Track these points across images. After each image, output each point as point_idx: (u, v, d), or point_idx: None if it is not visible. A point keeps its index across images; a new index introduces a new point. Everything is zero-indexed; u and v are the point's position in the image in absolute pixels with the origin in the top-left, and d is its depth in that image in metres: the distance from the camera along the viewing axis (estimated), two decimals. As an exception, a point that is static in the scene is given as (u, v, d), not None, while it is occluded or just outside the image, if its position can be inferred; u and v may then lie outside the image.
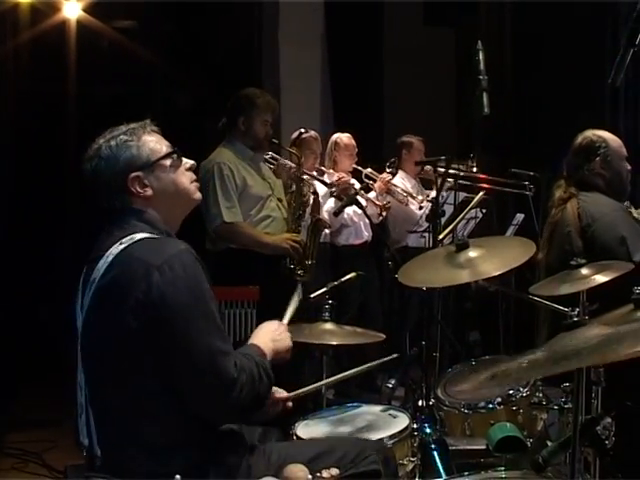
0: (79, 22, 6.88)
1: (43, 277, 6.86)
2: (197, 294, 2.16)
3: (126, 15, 7.48)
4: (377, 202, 5.92)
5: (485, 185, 5.27)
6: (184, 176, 2.39)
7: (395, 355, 3.19)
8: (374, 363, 3.07)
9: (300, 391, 2.72)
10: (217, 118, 4.74)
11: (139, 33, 7.52)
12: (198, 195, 2.44)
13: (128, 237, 2.22)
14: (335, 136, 6.07)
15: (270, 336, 2.42)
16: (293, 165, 4.83)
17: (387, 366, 3.29)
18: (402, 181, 6.39)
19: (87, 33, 6.95)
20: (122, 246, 2.20)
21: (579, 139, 3.83)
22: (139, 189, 2.29)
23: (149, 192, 2.30)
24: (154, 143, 2.35)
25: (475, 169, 5.48)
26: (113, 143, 2.30)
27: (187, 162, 2.42)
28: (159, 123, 2.41)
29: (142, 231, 2.25)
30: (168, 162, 2.35)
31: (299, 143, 5.49)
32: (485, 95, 2.99)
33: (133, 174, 2.28)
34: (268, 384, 2.29)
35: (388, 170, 6.11)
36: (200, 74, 7.33)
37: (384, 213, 5.95)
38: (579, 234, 3.65)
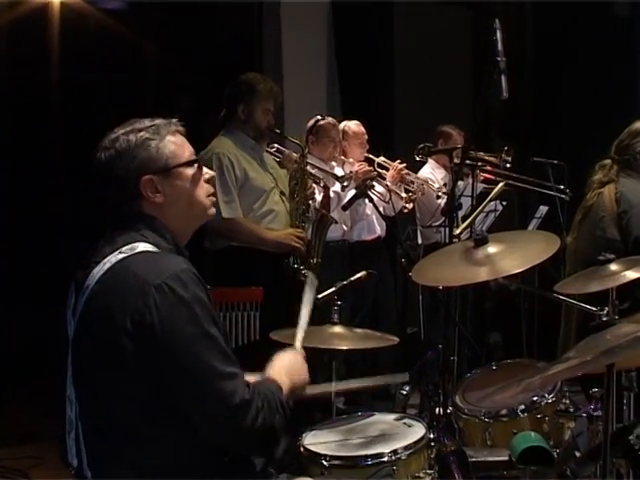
0: (63, 3, 6.88)
1: (22, 286, 6.87)
2: (198, 317, 2.14)
3: (114, -5, 7.48)
4: (402, 194, 5.83)
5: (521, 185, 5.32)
6: (201, 188, 2.38)
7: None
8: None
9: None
10: (215, 106, 4.72)
11: (129, 15, 7.51)
12: (212, 211, 2.44)
13: (129, 246, 2.21)
14: (342, 124, 5.98)
15: (285, 371, 2.40)
16: (296, 155, 4.81)
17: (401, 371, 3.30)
18: (431, 171, 6.34)
19: (72, 15, 6.94)
20: (121, 255, 2.19)
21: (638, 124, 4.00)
22: (150, 193, 2.28)
23: (159, 199, 2.29)
24: (176, 147, 2.33)
25: (509, 164, 5.47)
26: (132, 138, 2.28)
27: (207, 173, 2.41)
28: (154, 113, 2.40)
29: (146, 241, 2.24)
30: (187, 170, 2.34)
31: (316, 131, 5.46)
32: (504, 78, 2.99)
33: (147, 176, 2.27)
34: (284, 418, 2.26)
35: (417, 158, 6.05)
36: (196, 58, 7.30)
37: (409, 205, 5.87)
38: (614, 221, 3.81)
